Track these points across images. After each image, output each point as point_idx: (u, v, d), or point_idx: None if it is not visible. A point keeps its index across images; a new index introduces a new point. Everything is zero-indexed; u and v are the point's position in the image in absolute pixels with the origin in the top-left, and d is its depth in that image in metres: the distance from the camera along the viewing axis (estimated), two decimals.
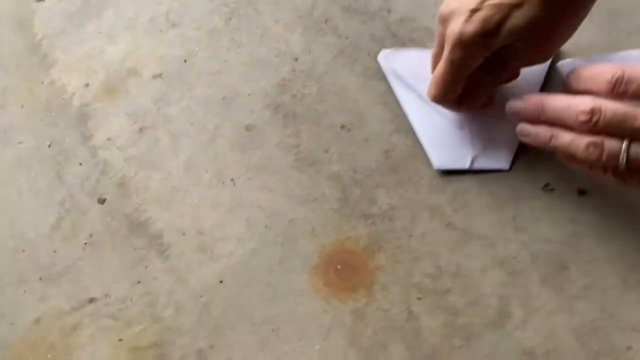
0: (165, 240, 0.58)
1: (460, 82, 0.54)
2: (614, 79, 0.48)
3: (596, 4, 0.51)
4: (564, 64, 0.60)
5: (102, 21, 0.69)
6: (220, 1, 0.69)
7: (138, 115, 0.63)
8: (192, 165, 0.61)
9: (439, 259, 0.55)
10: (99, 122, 0.63)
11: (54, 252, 0.58)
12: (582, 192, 0.56)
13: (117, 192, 0.60)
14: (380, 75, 0.63)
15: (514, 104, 0.55)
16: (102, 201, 0.60)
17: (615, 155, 0.48)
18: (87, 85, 0.65)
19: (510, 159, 0.59)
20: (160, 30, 0.68)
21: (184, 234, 0.58)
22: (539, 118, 0.53)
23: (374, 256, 0.56)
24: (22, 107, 0.65)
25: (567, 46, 0.56)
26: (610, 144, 0.48)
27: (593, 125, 0.48)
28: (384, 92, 0.63)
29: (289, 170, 0.60)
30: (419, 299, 0.54)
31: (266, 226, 0.58)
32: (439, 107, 0.59)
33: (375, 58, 0.64)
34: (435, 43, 0.57)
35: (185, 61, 0.66)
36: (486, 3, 0.50)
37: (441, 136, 0.59)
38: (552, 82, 0.61)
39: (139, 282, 0.56)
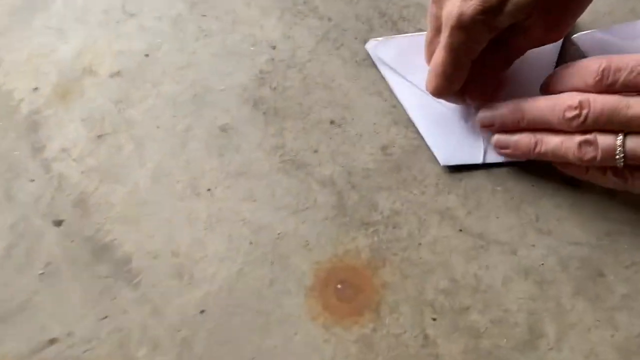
0: (135, 265, 0.50)
1: (463, 70, 0.47)
2: (601, 69, 0.44)
3: None
4: (580, 37, 0.53)
5: (50, 14, 0.60)
6: None
7: (96, 120, 0.55)
8: (161, 174, 0.53)
9: (454, 271, 0.48)
10: (52, 131, 0.55)
11: (6, 285, 0.50)
12: None
13: (76, 212, 0.52)
14: (371, 60, 0.56)
15: (486, 114, 0.50)
16: (58, 223, 0.51)
17: (611, 152, 0.43)
18: (36, 89, 0.57)
19: None
20: (117, 21, 0.59)
21: (156, 257, 0.50)
22: (519, 125, 0.48)
23: (379, 271, 0.48)
24: None
25: (582, 16, 0.49)
26: (604, 139, 0.44)
27: (582, 120, 0.44)
28: (376, 80, 0.55)
29: (274, 175, 0.52)
30: (434, 319, 0.46)
31: (252, 243, 0.50)
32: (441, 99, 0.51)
33: (364, 41, 0.56)
34: (429, 27, 0.49)
35: (147, 55, 0.58)
36: None
37: (445, 129, 0.52)
38: (568, 57, 0.54)
39: (106, 317, 0.48)
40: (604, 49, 0.53)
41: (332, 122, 0.54)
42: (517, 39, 0.48)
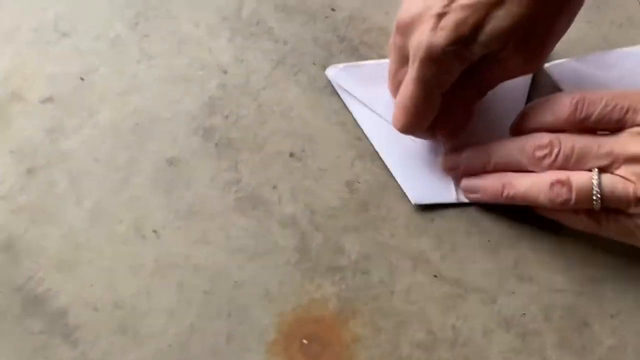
0: (72, 319, 0.44)
1: (433, 105, 0.44)
2: (574, 101, 0.41)
3: None
4: (553, 67, 0.50)
5: None
6: (123, 2, 0.55)
7: (26, 152, 0.49)
8: (100, 214, 0.47)
9: (431, 322, 0.44)
10: None
11: None
12: None
13: (4, 257, 0.46)
14: (331, 87, 0.51)
15: (451, 157, 0.47)
16: None
17: (586, 192, 0.41)
18: None
19: None
20: (48, 41, 0.53)
21: (96, 310, 0.44)
22: (485, 168, 0.46)
23: (349, 323, 0.44)
24: None
25: None
26: (578, 178, 0.41)
27: (553, 159, 0.42)
28: (338, 110, 0.51)
29: (229, 214, 0.47)
30: None
31: (205, 292, 0.45)
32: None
33: (323, 67, 0.52)
34: (392, 58, 0.45)
35: (82, 79, 0.52)
36: (455, 4, 0.40)
37: (415, 165, 0.48)
38: (540, 88, 0.51)
39: None
40: (577, 80, 0.50)
41: (291, 155, 0.49)
42: (491, 70, 0.44)
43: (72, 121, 0.50)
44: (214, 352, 0.43)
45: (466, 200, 0.47)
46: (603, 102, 0.41)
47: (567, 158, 0.41)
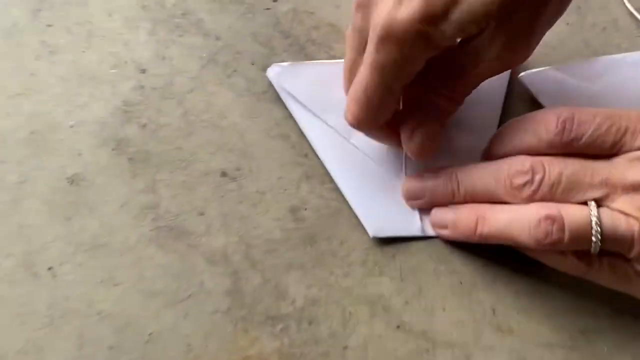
0: None
1: (390, 97, 0.35)
2: (561, 120, 0.34)
3: None
4: (530, 76, 0.43)
5: None
6: None
7: None
8: None
9: None
10: None
11: None
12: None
13: None
14: (273, 92, 0.43)
15: (412, 184, 0.40)
16: None
17: (583, 231, 0.33)
18: None
19: None
20: None
21: None
22: (454, 198, 0.38)
23: None
24: None
25: None
26: (572, 213, 0.33)
27: (535, 189, 0.34)
28: (281, 119, 0.42)
29: (144, 247, 0.38)
30: None
31: (111, 348, 0.36)
32: (368, 147, 0.40)
33: (264, 67, 0.43)
34: (348, 45, 0.37)
35: None
36: None
37: (375, 190, 0.40)
38: (514, 100, 0.43)
39: None
40: (557, 91, 0.43)
41: (223, 175, 0.40)
42: (466, 62, 0.36)
43: None
44: None
45: (433, 233, 0.39)
46: (596, 122, 0.34)
47: (553, 187, 0.34)
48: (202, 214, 0.39)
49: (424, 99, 0.37)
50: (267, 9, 0.46)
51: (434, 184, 0.38)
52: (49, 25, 0.44)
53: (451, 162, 0.39)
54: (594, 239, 0.33)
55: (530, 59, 0.40)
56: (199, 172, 0.40)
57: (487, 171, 0.36)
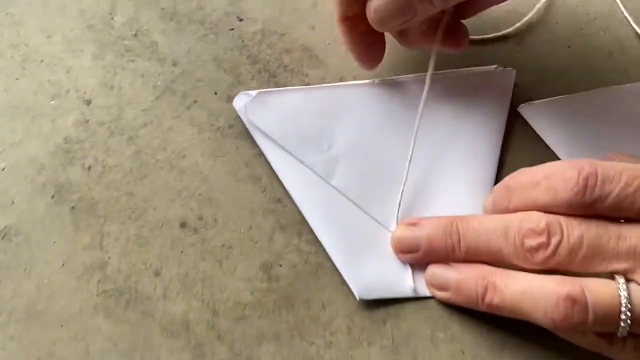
0: None
1: None
2: (582, 176, 0.29)
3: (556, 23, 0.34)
4: (528, 108, 0.38)
5: None
6: None
7: None
8: None
9: None
10: None
11: None
12: None
13: None
14: (241, 126, 0.37)
15: (405, 233, 0.34)
16: None
17: (610, 312, 0.28)
18: None
19: None
20: None
21: None
22: (454, 254, 0.33)
23: None
24: None
25: (528, 79, 0.36)
26: (597, 291, 0.28)
27: (551, 253, 0.29)
28: (251, 158, 0.37)
29: (89, 316, 0.32)
30: None
31: None
32: (352, 189, 0.34)
33: (229, 98, 0.38)
34: None
35: None
36: None
37: (361, 243, 0.35)
38: (516, 132, 0.39)
39: None
40: (558, 125, 0.39)
41: (183, 226, 0.34)
42: None
43: None
44: None
45: (428, 293, 0.34)
46: (623, 180, 0.29)
47: (572, 253, 0.29)
48: (157, 274, 0.33)
49: None
50: (232, 29, 0.40)
51: (430, 235, 0.33)
52: None
53: (447, 208, 0.34)
54: (622, 323, 0.28)
55: (529, 87, 0.36)
56: (154, 222, 0.34)
57: (494, 226, 0.31)
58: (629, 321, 0.28)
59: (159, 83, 0.38)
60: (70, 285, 0.33)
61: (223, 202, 0.35)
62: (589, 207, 0.29)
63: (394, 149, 0.36)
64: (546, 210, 0.30)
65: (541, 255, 0.29)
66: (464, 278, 0.32)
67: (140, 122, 0.37)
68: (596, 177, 0.29)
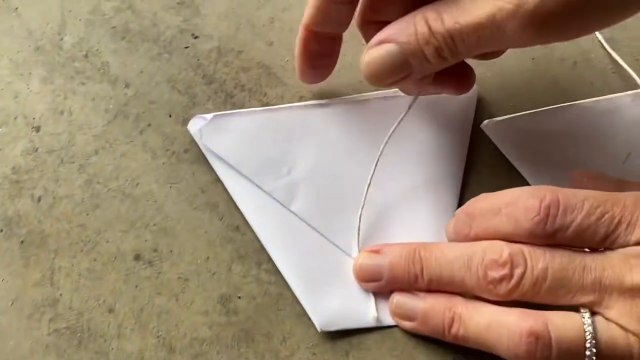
0: None
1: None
2: (544, 205, 0.28)
3: None
4: (491, 125, 0.37)
5: None
6: None
7: None
8: None
9: None
10: None
11: None
12: None
13: None
14: (196, 150, 0.36)
15: (367, 261, 0.33)
16: None
17: (575, 349, 0.27)
18: None
19: None
20: None
21: None
22: (417, 283, 0.32)
23: None
24: None
25: (492, 93, 0.36)
26: (561, 325, 0.28)
27: (514, 285, 0.28)
28: (207, 184, 0.35)
29: (40, 357, 0.31)
30: None
31: None
32: (312, 215, 0.34)
33: (183, 121, 0.36)
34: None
35: None
36: None
37: (322, 272, 0.34)
38: (479, 149, 0.38)
39: None
40: (521, 142, 0.37)
41: (137, 258, 0.33)
42: None
43: None
44: None
45: (392, 322, 0.33)
46: (585, 209, 0.28)
47: (536, 285, 0.28)
48: (111, 310, 0.32)
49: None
50: (186, 47, 0.39)
51: (393, 263, 0.32)
52: None
53: (411, 232, 0.33)
54: (588, 353, 0.27)
55: (494, 102, 0.35)
56: (107, 255, 0.33)
57: (457, 255, 0.30)
58: (594, 357, 0.27)
59: (111, 106, 0.37)
60: (20, 325, 0.31)
61: (179, 232, 0.34)
62: (551, 236, 0.28)
63: (355, 172, 0.35)
64: (508, 239, 0.29)
65: (504, 287, 0.28)
66: (430, 308, 0.31)
67: (92, 148, 0.35)
68: (558, 206, 0.28)
